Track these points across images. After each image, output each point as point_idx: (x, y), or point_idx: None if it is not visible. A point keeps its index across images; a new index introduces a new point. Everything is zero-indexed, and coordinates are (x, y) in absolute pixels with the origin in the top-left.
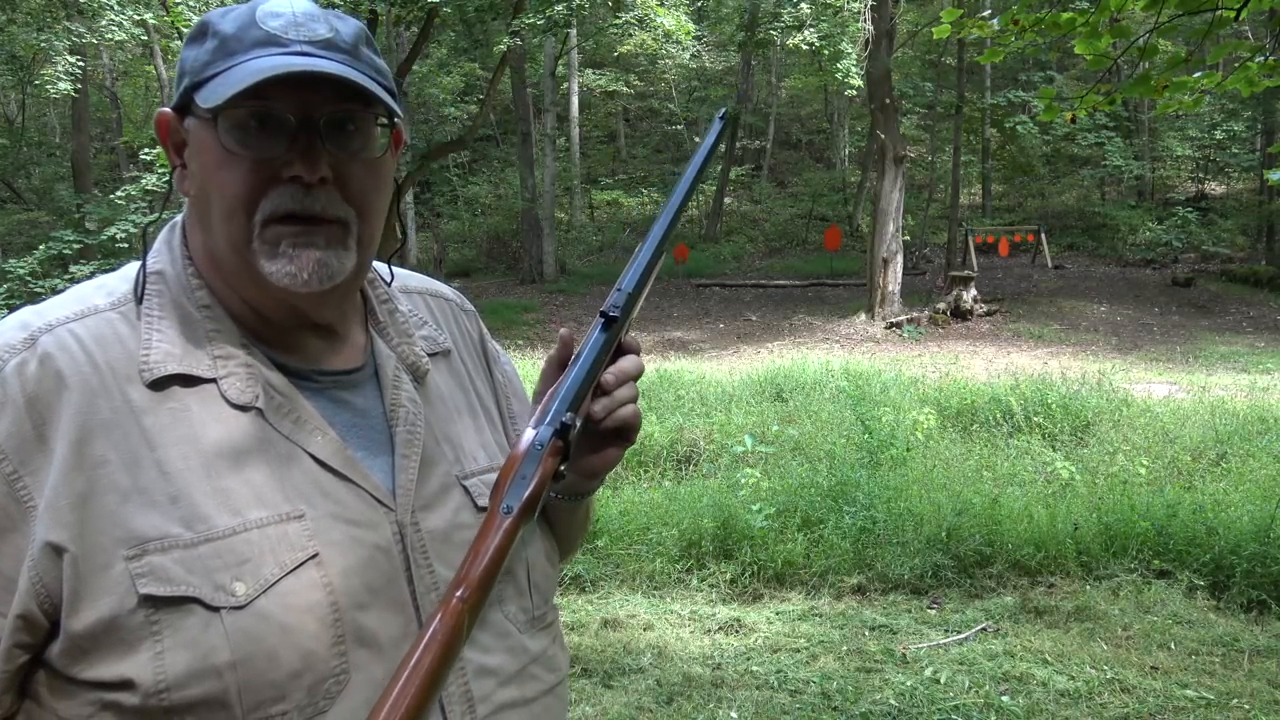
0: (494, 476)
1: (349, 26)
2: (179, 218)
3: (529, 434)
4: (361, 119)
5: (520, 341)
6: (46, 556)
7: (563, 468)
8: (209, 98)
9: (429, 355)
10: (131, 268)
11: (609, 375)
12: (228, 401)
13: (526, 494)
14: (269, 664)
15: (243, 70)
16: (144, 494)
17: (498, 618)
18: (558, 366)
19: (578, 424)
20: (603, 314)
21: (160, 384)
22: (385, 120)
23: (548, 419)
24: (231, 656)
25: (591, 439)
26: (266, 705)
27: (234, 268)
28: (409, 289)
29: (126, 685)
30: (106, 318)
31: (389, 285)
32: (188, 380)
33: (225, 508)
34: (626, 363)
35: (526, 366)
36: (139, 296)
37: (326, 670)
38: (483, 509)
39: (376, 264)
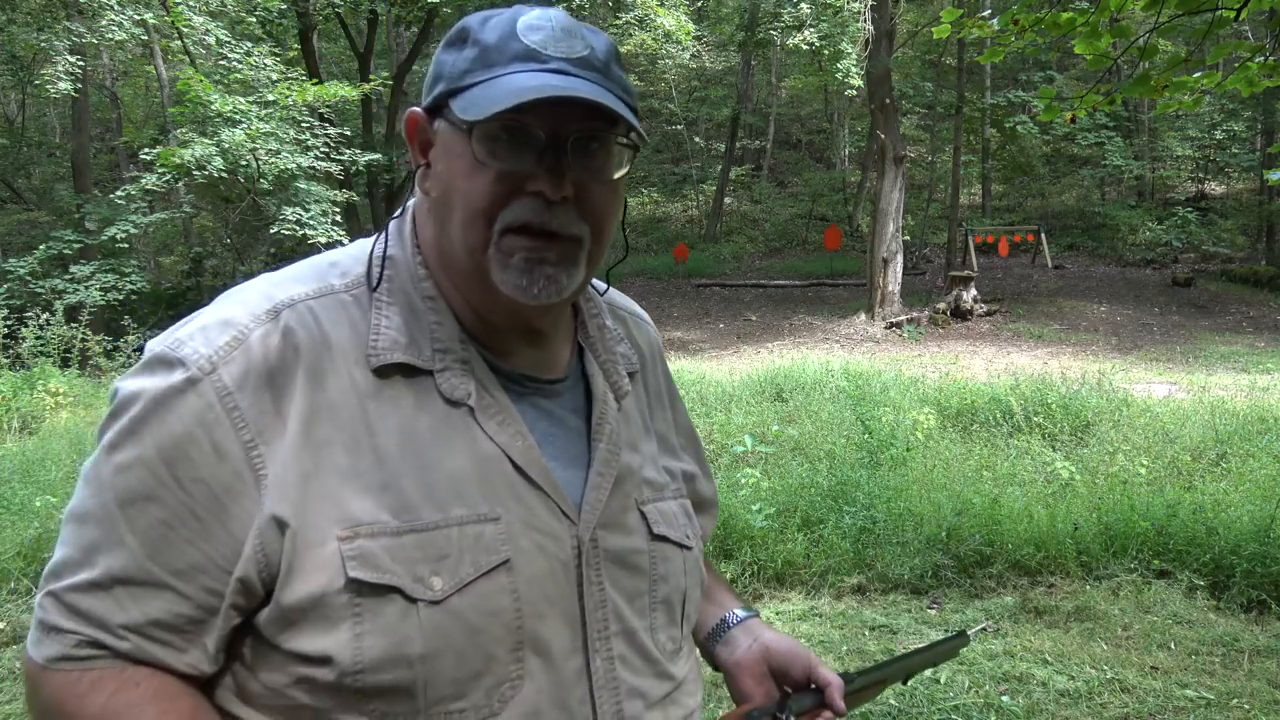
0: (666, 505)
1: (602, 43)
2: (410, 204)
3: None
4: (606, 138)
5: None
6: (271, 528)
7: None
8: (468, 108)
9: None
10: (362, 246)
11: None
12: (441, 396)
13: None
14: (455, 662)
15: (503, 86)
16: (360, 478)
17: (649, 644)
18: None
19: None
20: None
21: (384, 371)
22: (627, 140)
23: None
24: (423, 649)
25: (744, 681)
26: (447, 701)
27: (465, 270)
28: (614, 305)
29: (325, 661)
30: (341, 299)
31: (601, 296)
32: (409, 370)
33: (430, 501)
34: None
35: None
36: (373, 283)
37: (504, 674)
38: (657, 536)
39: None
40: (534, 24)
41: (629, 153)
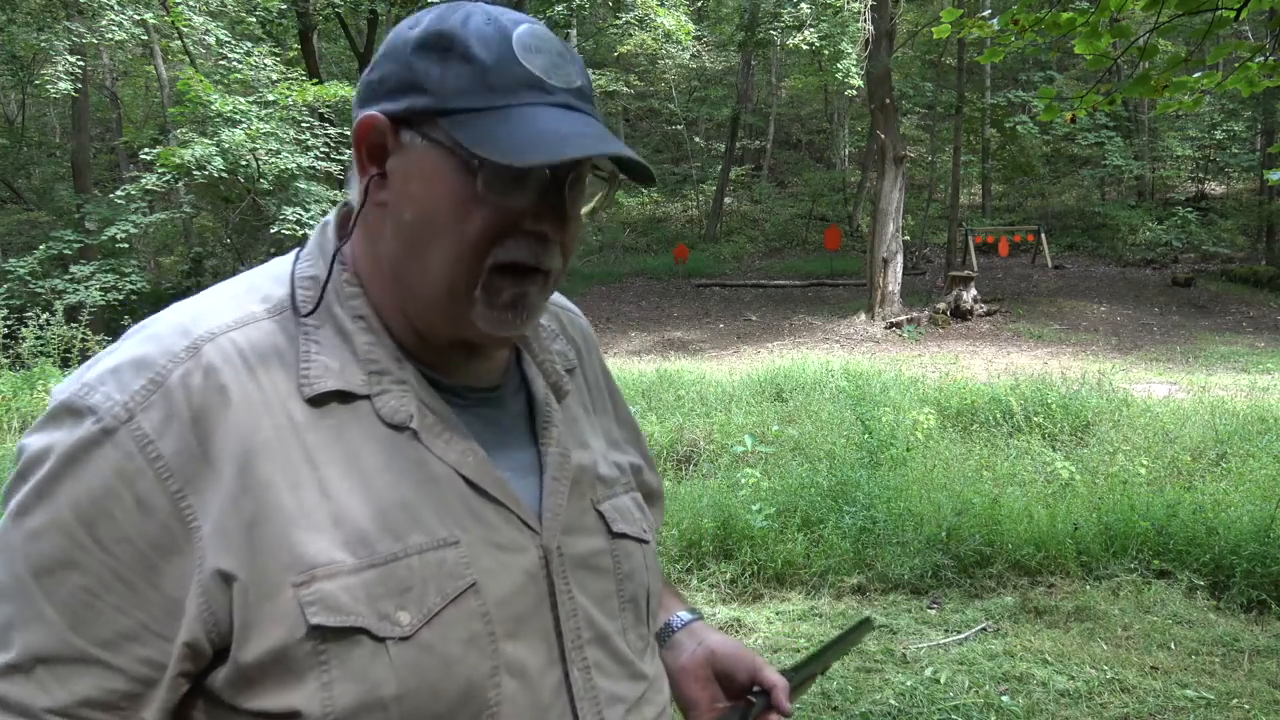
0: (620, 501)
1: (581, 66)
2: (329, 217)
3: None
4: (584, 173)
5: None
6: (216, 584)
7: None
8: (485, 143)
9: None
10: (280, 266)
11: None
12: (381, 420)
13: None
14: (433, 697)
15: (532, 127)
16: (308, 517)
17: (621, 646)
18: (741, 687)
19: None
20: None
21: (318, 400)
22: (603, 175)
23: None
24: (398, 689)
25: (689, 686)
26: None
27: (433, 300)
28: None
29: (293, 717)
30: (264, 327)
31: None
32: (344, 396)
33: (386, 532)
34: None
35: None
36: (306, 308)
37: (483, 702)
38: (617, 534)
39: None
40: (530, 45)
41: (602, 184)
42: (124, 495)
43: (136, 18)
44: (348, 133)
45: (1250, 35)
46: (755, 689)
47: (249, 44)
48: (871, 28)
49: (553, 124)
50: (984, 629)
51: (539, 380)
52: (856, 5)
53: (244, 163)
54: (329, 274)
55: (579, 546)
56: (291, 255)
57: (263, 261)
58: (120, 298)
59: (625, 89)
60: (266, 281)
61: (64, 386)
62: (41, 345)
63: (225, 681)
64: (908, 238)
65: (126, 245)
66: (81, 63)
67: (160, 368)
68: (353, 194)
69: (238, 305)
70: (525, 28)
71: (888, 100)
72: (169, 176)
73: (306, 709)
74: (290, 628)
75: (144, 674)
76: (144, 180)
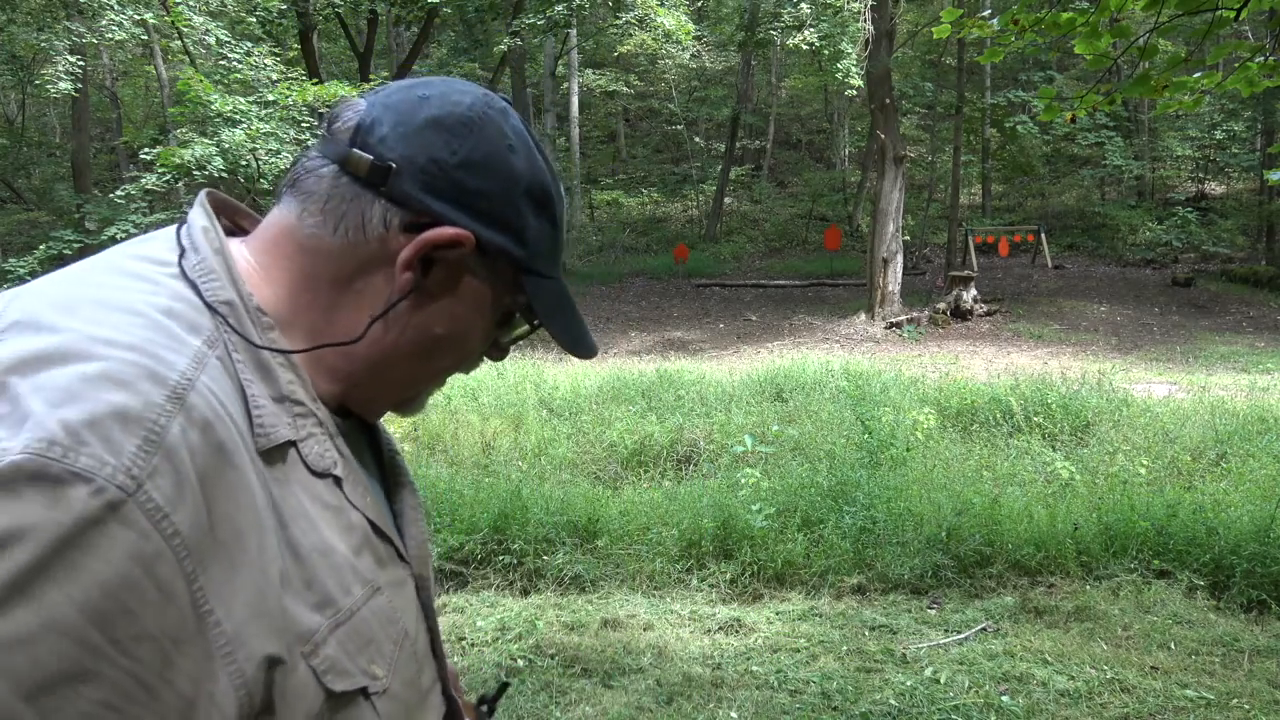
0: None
1: None
2: (202, 219)
3: None
4: None
5: (520, 341)
6: (263, 673)
7: None
8: (555, 322)
9: None
10: (174, 288)
11: None
12: (307, 467)
13: None
14: None
15: (580, 322)
16: (288, 583)
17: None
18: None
19: None
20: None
21: (271, 453)
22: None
23: None
24: None
25: None
26: None
27: (402, 394)
28: None
29: None
30: (217, 367)
31: None
32: (285, 446)
33: (340, 586)
34: None
35: (526, 367)
36: (274, 341)
37: None
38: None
39: None
40: (564, 210)
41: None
42: (145, 585)
43: (136, 18)
44: None
45: (1250, 35)
46: None
47: (249, 44)
48: (871, 28)
49: (579, 318)
50: (984, 629)
51: None
52: (856, 5)
53: (244, 163)
54: (243, 300)
55: (426, 569)
56: (164, 261)
57: None
58: None
59: (625, 89)
60: (179, 305)
61: (17, 443)
62: None
63: None
64: (908, 238)
65: None
66: (81, 63)
67: (152, 422)
68: (303, 209)
69: (174, 337)
70: (563, 190)
71: (888, 100)
72: (169, 176)
73: None
74: (310, 701)
75: None
76: (144, 180)
